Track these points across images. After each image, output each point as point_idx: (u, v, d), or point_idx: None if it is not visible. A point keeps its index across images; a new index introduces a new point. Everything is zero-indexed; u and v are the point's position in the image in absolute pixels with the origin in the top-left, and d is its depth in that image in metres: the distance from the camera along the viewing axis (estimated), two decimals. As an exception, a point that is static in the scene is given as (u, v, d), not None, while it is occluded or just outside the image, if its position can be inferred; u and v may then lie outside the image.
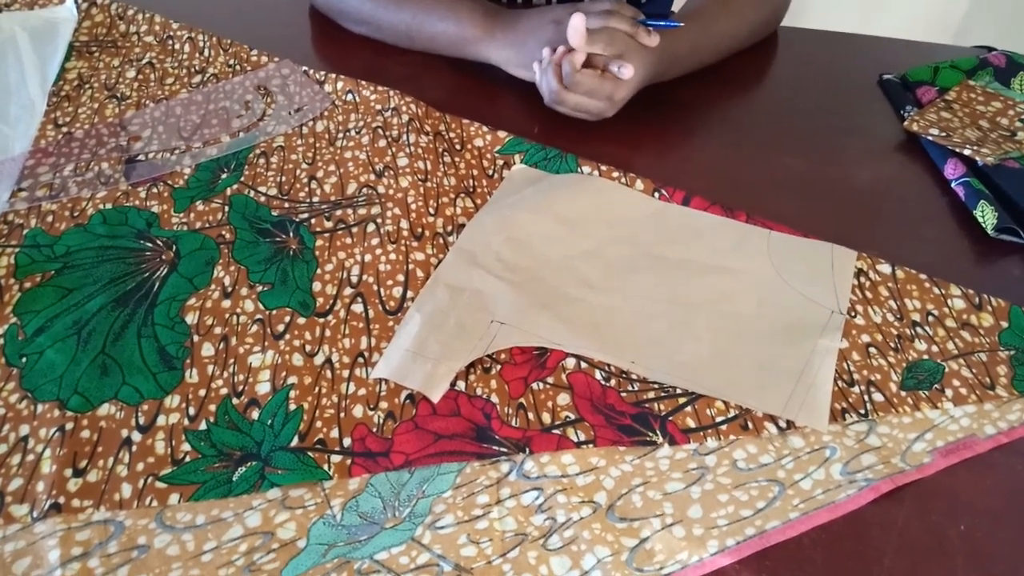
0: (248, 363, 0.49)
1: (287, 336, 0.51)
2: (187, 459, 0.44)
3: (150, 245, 0.57)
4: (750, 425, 0.46)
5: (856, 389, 0.48)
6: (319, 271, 0.55)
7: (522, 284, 0.54)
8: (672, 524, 0.41)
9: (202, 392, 0.48)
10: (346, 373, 0.49)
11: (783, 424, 0.46)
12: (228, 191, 0.62)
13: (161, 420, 0.46)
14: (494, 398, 0.47)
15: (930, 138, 0.66)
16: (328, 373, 0.49)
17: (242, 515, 0.42)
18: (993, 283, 0.55)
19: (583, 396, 0.48)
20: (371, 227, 0.59)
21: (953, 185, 0.63)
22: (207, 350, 0.50)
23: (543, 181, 0.63)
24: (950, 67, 0.74)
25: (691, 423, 0.46)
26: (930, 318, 0.53)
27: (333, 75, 0.73)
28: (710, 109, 0.73)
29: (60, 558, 0.39)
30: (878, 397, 0.48)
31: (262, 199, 0.61)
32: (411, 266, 0.56)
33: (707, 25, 0.72)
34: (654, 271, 0.56)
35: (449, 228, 0.59)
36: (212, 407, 0.47)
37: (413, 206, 0.60)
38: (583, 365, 0.49)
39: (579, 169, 0.64)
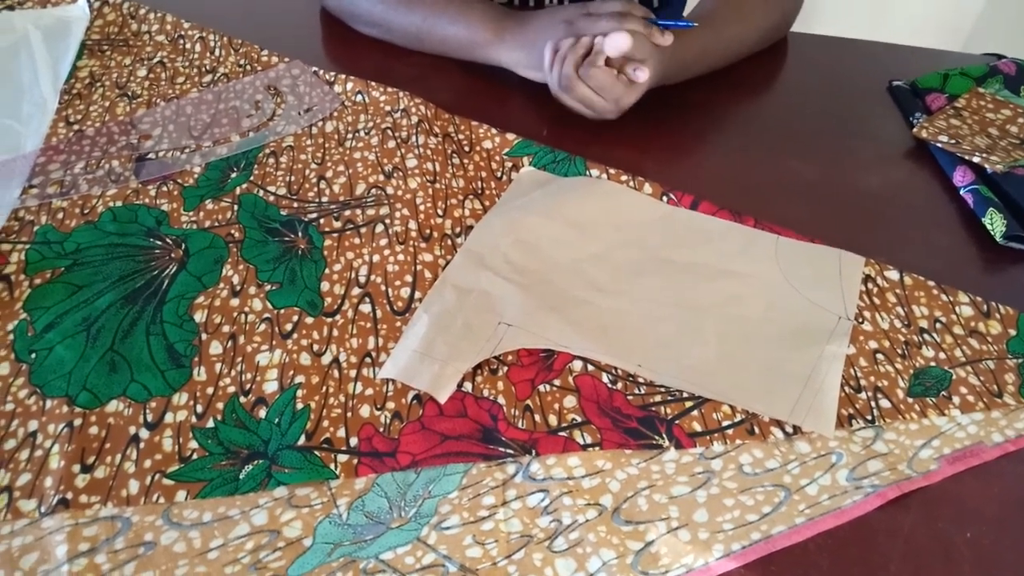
0: (256, 362, 0.49)
1: (295, 335, 0.51)
2: (194, 457, 0.44)
3: (159, 243, 0.57)
4: (756, 430, 0.46)
5: (863, 395, 0.48)
6: (327, 271, 0.55)
7: (530, 286, 0.54)
8: (678, 528, 0.41)
9: (210, 390, 0.48)
10: (353, 373, 0.49)
11: (790, 429, 0.46)
12: (237, 190, 0.62)
13: (169, 417, 0.46)
14: (501, 400, 0.47)
15: (939, 145, 0.66)
16: (335, 373, 0.49)
17: (248, 513, 0.42)
18: (1001, 291, 0.55)
19: (590, 399, 0.48)
20: (379, 228, 0.59)
21: (962, 192, 0.62)
22: (215, 348, 0.50)
23: (552, 184, 0.63)
24: (960, 74, 0.74)
25: (697, 427, 0.46)
26: (938, 325, 0.53)
27: (343, 76, 0.73)
28: (719, 113, 0.73)
29: (67, 553, 0.40)
30: (885, 403, 0.48)
31: (271, 198, 0.61)
32: (419, 267, 0.56)
33: (717, 30, 0.72)
34: (662, 275, 0.56)
35: (457, 230, 0.59)
36: (220, 405, 0.47)
37: (422, 207, 0.60)
38: (590, 368, 0.49)
39: (588, 172, 0.64)
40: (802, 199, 0.63)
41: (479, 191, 0.63)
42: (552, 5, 0.82)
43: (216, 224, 0.59)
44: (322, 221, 0.59)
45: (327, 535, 0.41)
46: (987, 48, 0.82)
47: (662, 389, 0.48)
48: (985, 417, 0.47)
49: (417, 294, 0.54)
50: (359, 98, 0.71)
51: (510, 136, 0.67)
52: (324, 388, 0.48)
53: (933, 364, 0.50)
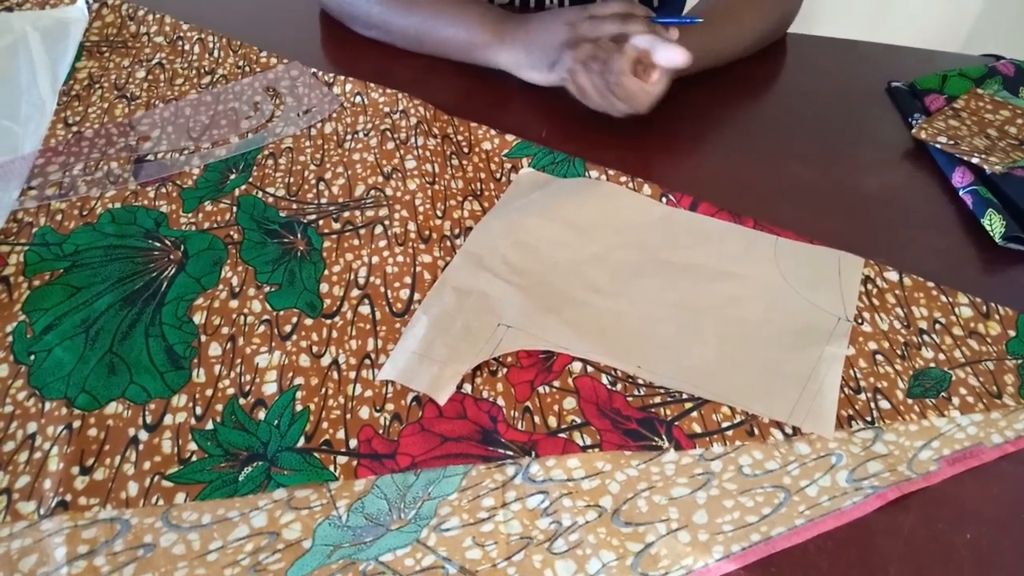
0: (255, 363, 0.49)
1: (294, 337, 0.51)
2: (193, 458, 0.44)
3: (158, 245, 0.57)
4: (756, 431, 0.46)
5: (863, 396, 0.48)
6: (326, 272, 0.55)
7: (529, 288, 0.54)
8: (677, 529, 0.41)
9: (209, 392, 0.48)
10: (353, 374, 0.49)
11: (789, 430, 0.46)
12: (236, 192, 0.62)
13: (168, 419, 0.46)
14: (500, 401, 0.47)
15: (938, 146, 0.66)
16: (335, 374, 0.49)
17: (248, 515, 0.42)
18: (1001, 292, 0.55)
19: (589, 400, 0.48)
20: (379, 229, 0.59)
21: (961, 193, 0.63)
22: (214, 350, 0.50)
23: (551, 185, 0.63)
24: (958, 75, 0.74)
25: (697, 428, 0.46)
26: (937, 326, 0.53)
27: (342, 77, 0.73)
28: (718, 115, 0.73)
29: (66, 556, 0.40)
30: (885, 404, 0.48)
31: (270, 200, 0.61)
32: (418, 268, 0.56)
33: (715, 29, 0.72)
34: (661, 276, 0.56)
35: (456, 231, 0.59)
36: (219, 407, 0.47)
37: (421, 208, 0.60)
38: (589, 369, 0.49)
39: (587, 173, 0.64)
40: (801, 200, 0.63)
41: (478, 192, 0.63)
42: (553, 7, 0.82)
43: (215, 226, 0.59)
44: (321, 222, 0.59)
45: (327, 537, 0.41)
46: (985, 49, 0.82)
47: (662, 390, 0.48)
48: (984, 418, 0.47)
49: (416, 295, 0.54)
50: (358, 99, 0.71)
51: (509, 137, 0.67)
52: (323, 390, 0.48)
53: (933, 365, 0.50)
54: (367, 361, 0.50)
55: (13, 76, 0.73)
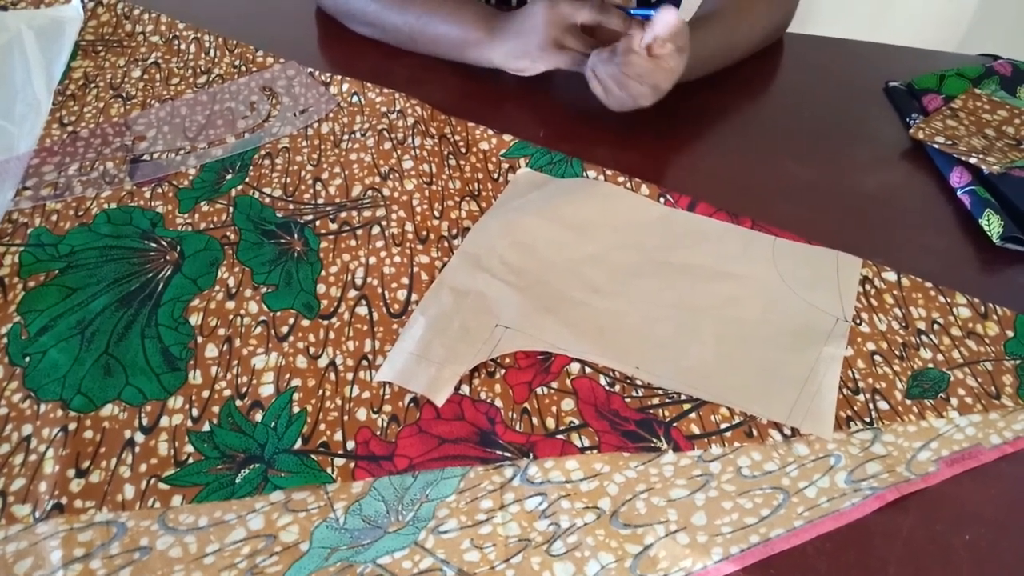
0: (252, 365, 0.49)
1: (291, 338, 0.51)
2: (190, 461, 0.44)
3: (154, 245, 0.57)
4: (755, 432, 0.46)
5: (861, 397, 0.48)
6: (323, 273, 0.55)
7: (527, 288, 0.54)
8: (676, 531, 0.41)
9: (205, 393, 0.48)
10: (350, 376, 0.49)
11: (788, 431, 0.46)
12: (233, 192, 0.62)
13: (164, 421, 0.46)
14: (498, 402, 0.47)
15: (936, 146, 0.66)
16: (332, 376, 0.49)
17: (245, 518, 0.42)
18: (999, 292, 0.55)
19: (587, 401, 0.48)
20: (376, 229, 0.58)
21: (959, 193, 0.63)
22: (211, 351, 0.50)
23: (548, 185, 0.63)
24: (956, 75, 0.74)
25: (695, 429, 0.46)
26: (935, 326, 0.53)
27: (339, 77, 0.73)
28: (716, 115, 0.73)
29: (62, 559, 0.39)
30: (883, 405, 0.48)
31: (267, 200, 0.61)
32: (415, 269, 0.55)
33: (728, 29, 0.72)
34: (659, 276, 0.56)
35: (454, 231, 0.59)
36: (215, 409, 0.47)
37: (418, 209, 0.60)
38: (587, 370, 0.49)
39: (584, 173, 0.64)
40: (799, 200, 0.63)
41: (476, 192, 0.62)
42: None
43: (211, 226, 0.59)
44: (318, 223, 0.59)
45: (324, 539, 0.41)
46: (983, 49, 0.82)
47: (660, 391, 0.48)
48: (983, 419, 0.47)
49: (414, 296, 0.54)
50: (355, 99, 0.71)
51: (507, 137, 0.67)
52: (321, 391, 0.48)
53: (931, 366, 0.50)
54: (364, 362, 0.50)
55: (8, 75, 0.73)
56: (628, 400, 0.48)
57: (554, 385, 0.48)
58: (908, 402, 0.48)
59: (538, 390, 0.48)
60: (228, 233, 0.58)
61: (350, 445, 0.45)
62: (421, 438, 0.45)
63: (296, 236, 0.58)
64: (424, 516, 0.42)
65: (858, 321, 0.53)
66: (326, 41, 0.82)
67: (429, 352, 0.49)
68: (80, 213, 0.59)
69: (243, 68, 0.75)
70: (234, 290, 0.54)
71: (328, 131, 0.68)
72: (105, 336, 0.50)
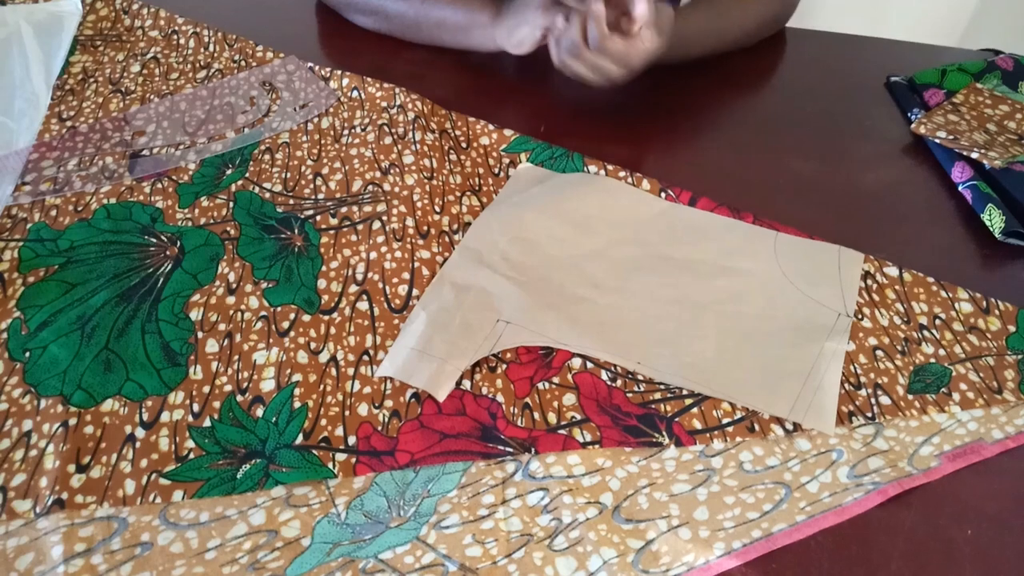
0: (252, 360, 0.49)
1: (292, 333, 0.51)
2: (191, 456, 0.44)
3: (154, 240, 0.57)
4: (756, 427, 0.46)
5: (863, 392, 0.48)
6: (324, 268, 0.55)
7: (528, 283, 0.54)
8: (678, 526, 0.41)
9: (206, 389, 0.47)
10: (351, 371, 0.49)
11: (790, 426, 0.46)
12: (233, 187, 0.62)
13: (165, 416, 0.46)
14: (500, 398, 0.47)
15: (937, 141, 0.66)
16: (333, 371, 0.49)
17: (246, 513, 0.41)
18: (1001, 287, 0.55)
19: (589, 396, 0.47)
20: (376, 225, 0.58)
21: (960, 188, 0.62)
22: (211, 346, 0.50)
23: (549, 180, 0.62)
24: (957, 70, 0.74)
25: (697, 424, 0.46)
26: (937, 321, 0.53)
27: (339, 72, 0.73)
28: (717, 110, 0.73)
29: (63, 554, 0.39)
30: (885, 400, 0.48)
31: (267, 195, 0.61)
32: (416, 264, 0.55)
33: (716, 12, 0.72)
34: (660, 271, 0.56)
35: (455, 226, 0.59)
36: (216, 404, 0.47)
37: (419, 204, 0.60)
38: (589, 365, 0.49)
39: (585, 168, 0.63)
40: (800, 195, 0.63)
41: (476, 187, 0.62)
42: None
43: (211, 221, 0.59)
44: (318, 218, 0.59)
45: (326, 535, 0.41)
46: (984, 44, 0.82)
47: (662, 386, 0.48)
48: (985, 414, 0.47)
49: (415, 291, 0.53)
50: (355, 94, 0.71)
51: (507, 132, 0.67)
52: (322, 386, 0.48)
53: (933, 361, 0.50)
54: (365, 357, 0.49)
55: (7, 71, 0.73)
56: (630, 395, 0.48)
57: (556, 380, 0.48)
58: (910, 397, 0.48)
59: (540, 385, 0.48)
60: (228, 228, 0.58)
61: (351, 440, 0.45)
62: (422, 433, 0.45)
63: (296, 231, 0.58)
64: (426, 511, 0.42)
65: (860, 316, 0.53)
66: (326, 36, 0.81)
67: (430, 347, 0.49)
68: (80, 208, 0.59)
69: (243, 63, 0.75)
70: (234, 285, 0.54)
71: (328, 126, 0.68)
72: (105, 331, 0.50)
